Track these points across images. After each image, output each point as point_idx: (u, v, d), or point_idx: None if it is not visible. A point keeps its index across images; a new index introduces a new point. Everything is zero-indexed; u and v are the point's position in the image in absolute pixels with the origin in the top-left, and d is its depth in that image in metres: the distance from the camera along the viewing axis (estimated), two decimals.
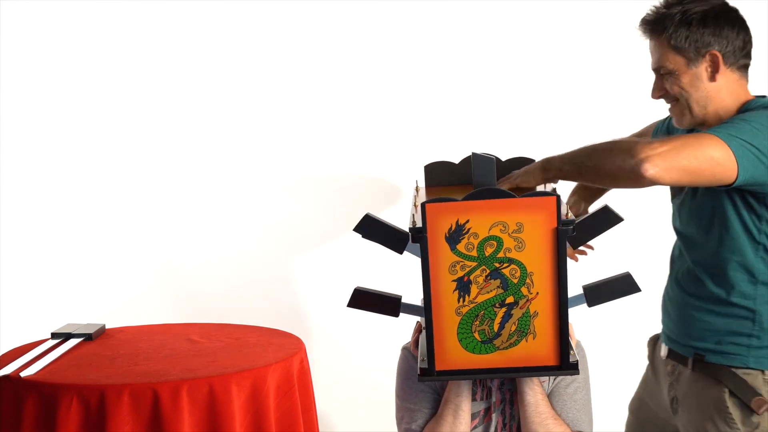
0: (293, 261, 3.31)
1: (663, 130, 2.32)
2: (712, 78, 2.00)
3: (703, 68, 2.00)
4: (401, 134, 3.13)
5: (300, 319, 3.11)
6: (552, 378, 2.11)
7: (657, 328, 2.39)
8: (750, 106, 2.02)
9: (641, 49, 2.18)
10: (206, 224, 3.26)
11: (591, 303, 1.92)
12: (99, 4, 3.09)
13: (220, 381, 1.90)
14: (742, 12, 2.09)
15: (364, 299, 1.94)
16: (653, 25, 2.03)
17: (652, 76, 2.13)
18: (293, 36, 3.17)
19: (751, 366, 2.05)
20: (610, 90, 3.04)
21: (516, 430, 2.11)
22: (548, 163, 2.02)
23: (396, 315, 1.95)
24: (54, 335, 2.32)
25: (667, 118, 2.29)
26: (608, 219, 1.88)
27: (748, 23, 2.08)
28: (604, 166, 1.90)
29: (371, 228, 1.90)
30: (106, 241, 3.20)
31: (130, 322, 2.57)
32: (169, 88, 3.18)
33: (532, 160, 2.16)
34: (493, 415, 2.12)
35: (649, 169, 1.81)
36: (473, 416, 2.11)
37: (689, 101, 2.02)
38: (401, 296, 1.95)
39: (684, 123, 2.07)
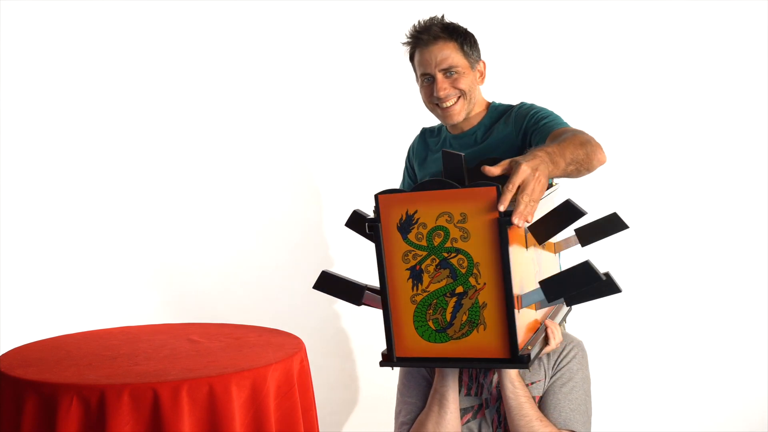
0: (293, 261, 3.31)
1: (420, 150, 2.62)
2: (481, 81, 2.50)
3: (476, 72, 2.47)
4: (401, 134, 3.13)
5: (300, 319, 3.11)
6: (548, 377, 2.11)
7: (656, 328, 2.38)
8: (500, 106, 2.50)
9: (639, 49, 2.18)
10: (206, 225, 3.26)
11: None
12: (99, 4, 3.10)
13: (220, 381, 1.89)
14: (742, 12, 2.09)
15: (330, 283, 1.98)
16: (445, 33, 2.41)
17: (649, 76, 2.13)
18: (292, 39, 3.18)
19: None
20: (615, 90, 3.04)
21: None
22: (554, 165, 1.96)
23: (358, 304, 1.97)
24: None
25: (415, 141, 2.68)
26: (614, 226, 1.99)
27: (748, 23, 2.09)
28: (594, 158, 2.06)
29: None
30: (106, 242, 3.20)
31: (130, 322, 2.58)
32: (166, 90, 3.19)
33: None
34: (486, 412, 2.13)
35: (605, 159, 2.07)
36: (466, 411, 2.12)
37: (471, 96, 2.46)
38: (366, 285, 1.97)
39: (461, 116, 2.46)
